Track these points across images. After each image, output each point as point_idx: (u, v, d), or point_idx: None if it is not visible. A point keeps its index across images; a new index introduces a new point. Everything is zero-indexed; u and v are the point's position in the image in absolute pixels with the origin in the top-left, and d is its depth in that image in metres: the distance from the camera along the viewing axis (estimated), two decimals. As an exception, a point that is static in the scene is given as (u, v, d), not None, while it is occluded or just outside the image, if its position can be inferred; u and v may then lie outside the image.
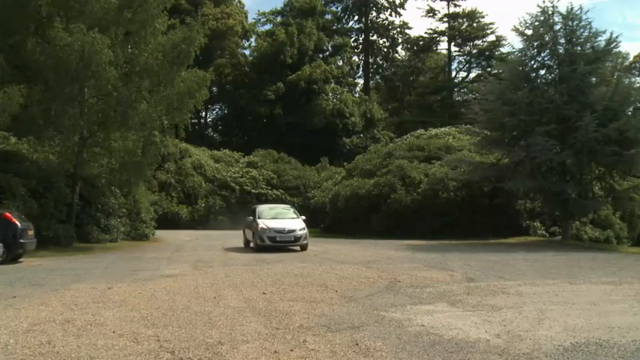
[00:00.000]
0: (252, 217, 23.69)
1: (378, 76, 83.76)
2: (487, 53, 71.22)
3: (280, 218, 23.50)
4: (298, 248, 22.49)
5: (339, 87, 68.97)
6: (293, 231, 22.27)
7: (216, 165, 51.52)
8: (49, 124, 24.36)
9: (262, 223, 22.56)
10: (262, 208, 24.75)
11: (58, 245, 22.90)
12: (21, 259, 18.61)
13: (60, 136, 24.70)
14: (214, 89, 61.78)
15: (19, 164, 24.12)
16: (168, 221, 41.61)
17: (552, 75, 29.28)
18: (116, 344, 7.41)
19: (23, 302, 10.45)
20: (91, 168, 25.61)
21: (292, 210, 25.39)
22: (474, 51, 73.63)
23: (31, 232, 19.20)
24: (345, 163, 46.45)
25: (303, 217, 23.80)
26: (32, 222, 19.85)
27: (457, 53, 75.62)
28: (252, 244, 23.24)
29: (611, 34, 28.17)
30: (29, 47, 23.16)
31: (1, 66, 22.49)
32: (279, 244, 22.16)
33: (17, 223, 18.29)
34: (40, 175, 24.48)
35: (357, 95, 72.85)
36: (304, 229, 22.55)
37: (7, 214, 18.38)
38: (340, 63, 73.96)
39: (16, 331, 8.12)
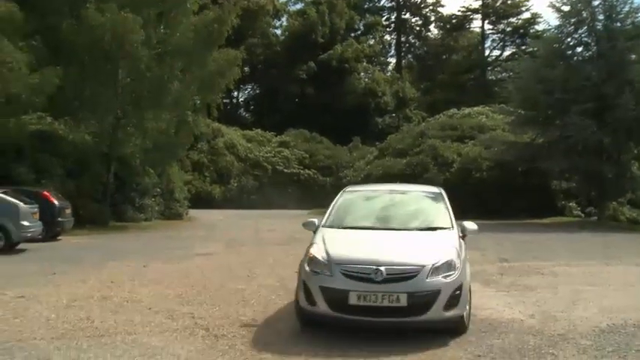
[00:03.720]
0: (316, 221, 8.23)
1: (410, 55, 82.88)
2: (522, 31, 69.78)
3: (387, 229, 7.88)
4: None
5: (370, 66, 68.48)
6: (414, 275, 6.71)
7: (249, 145, 51.71)
8: (84, 105, 24.64)
9: (323, 246, 7.28)
10: (349, 198, 8.84)
11: (94, 224, 23.26)
12: (59, 237, 19.01)
13: (95, 116, 24.99)
14: (246, 69, 61.75)
15: (55, 144, 24.46)
16: (202, 200, 41.97)
17: (590, 52, 28.73)
18: (152, 320, 7.54)
19: (62, 279, 10.68)
20: (126, 148, 25.88)
21: (436, 201, 8.63)
22: (508, 29, 72.22)
23: (68, 211, 19.59)
24: (377, 143, 46.24)
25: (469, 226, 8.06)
26: (69, 201, 20.23)
27: (491, 31, 74.34)
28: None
29: (653, 9, 27.47)
30: (64, 28, 23.40)
31: (37, 47, 22.74)
32: (366, 319, 6.71)
33: (55, 202, 18.70)
34: (76, 155, 24.81)
35: (389, 74, 72.26)
36: (455, 266, 6.90)
37: (46, 193, 18.78)
38: (372, 42, 73.34)
39: (57, 306, 8.31)
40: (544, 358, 6.08)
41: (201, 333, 6.98)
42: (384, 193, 9.11)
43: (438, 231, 7.70)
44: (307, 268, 7.00)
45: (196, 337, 6.85)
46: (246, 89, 72.60)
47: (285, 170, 49.34)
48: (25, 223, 15.42)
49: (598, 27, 27.81)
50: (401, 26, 78.86)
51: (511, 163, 30.84)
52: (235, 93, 68.66)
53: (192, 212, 33.62)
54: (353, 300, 6.59)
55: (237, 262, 13.27)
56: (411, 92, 67.97)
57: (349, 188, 9.23)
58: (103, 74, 24.24)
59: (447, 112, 45.80)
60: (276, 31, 71.59)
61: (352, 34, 70.17)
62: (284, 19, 73.17)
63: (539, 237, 19.84)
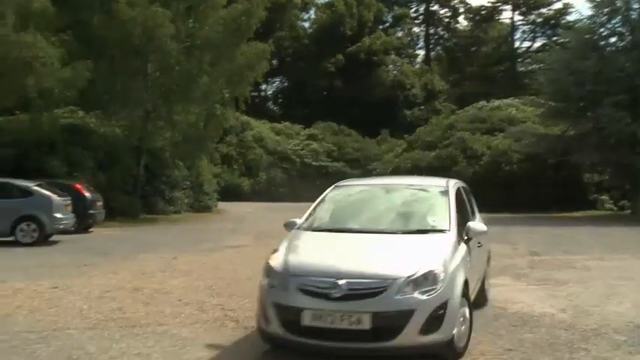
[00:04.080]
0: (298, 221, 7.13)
1: (438, 47, 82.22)
2: (553, 22, 68.73)
3: (370, 231, 6.53)
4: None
5: (399, 58, 68.13)
6: (381, 291, 5.44)
7: (277, 137, 51.88)
8: (115, 99, 24.92)
9: (284, 253, 6.32)
10: (338, 193, 7.53)
11: (124, 216, 23.54)
12: (91, 229, 19.28)
13: (125, 109, 25.27)
14: (274, 62, 61.99)
15: (87, 137, 24.80)
16: (230, 193, 42.19)
17: (623, 42, 28.21)
18: (182, 312, 7.61)
19: (94, 270, 10.83)
20: (155, 141, 26.15)
21: (439, 198, 7.03)
22: (539, 19, 71.19)
23: (99, 203, 19.86)
24: (405, 136, 46.04)
25: (475, 226, 6.80)
26: (100, 193, 20.50)
27: (521, 22, 73.31)
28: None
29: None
30: (95, 23, 23.67)
31: (69, 42, 23.04)
32: (323, 344, 5.50)
33: (87, 194, 18.99)
34: (106, 148, 25.13)
35: (417, 67, 71.83)
36: (437, 279, 5.59)
37: (78, 186, 19.06)
38: (400, 34, 72.94)
39: (89, 297, 8.43)
40: (576, 353, 5.99)
41: (231, 325, 7.04)
42: (379, 188, 7.76)
43: (430, 234, 6.31)
44: (264, 280, 5.93)
45: (226, 328, 6.91)
46: (274, 82, 72.78)
47: (314, 163, 49.39)
48: (59, 215, 15.68)
49: (633, 16, 27.27)
50: (429, 18, 78.27)
51: (541, 156, 30.45)
52: (264, 86, 68.87)
53: (222, 205, 33.83)
54: (307, 320, 5.41)
55: (266, 254, 13.30)
56: (439, 84, 67.52)
57: (342, 182, 7.88)
58: (132, 68, 24.54)
59: (476, 104, 45.34)
60: (304, 23, 71.67)
61: (380, 27, 69.86)
62: (312, 11, 73.19)
63: (570, 230, 19.58)
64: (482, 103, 44.72)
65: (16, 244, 14.90)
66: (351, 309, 5.35)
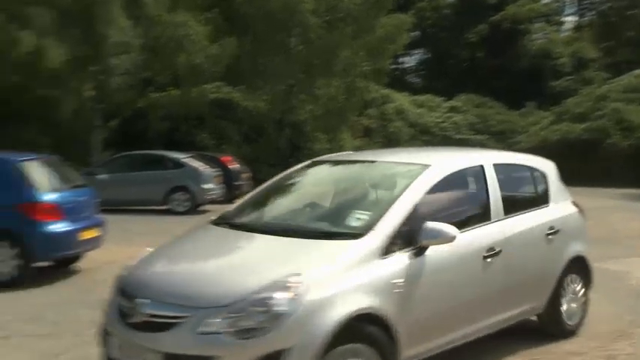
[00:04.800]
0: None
1: (591, 13, 77.43)
2: None
3: (273, 232, 4.75)
4: None
5: (547, 25, 64.92)
6: (178, 322, 3.86)
7: (418, 110, 51.37)
8: (259, 73, 25.69)
9: (142, 257, 4.79)
10: (297, 173, 6.05)
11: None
12: (237, 200, 20.06)
13: (268, 84, 25.99)
14: (416, 33, 61.30)
15: (233, 111, 25.80)
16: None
17: None
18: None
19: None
20: (298, 114, 26.71)
21: (404, 183, 4.83)
22: None
23: (245, 175, 20.65)
24: (552, 107, 44.02)
25: (435, 232, 4.41)
26: (246, 165, 21.31)
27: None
28: None
29: None
30: (239, 0, 24.45)
31: (215, 20, 23.98)
32: None
33: (234, 166, 19.83)
34: (251, 121, 26.02)
35: (566, 34, 68.10)
36: (277, 314, 3.71)
37: (226, 158, 19.98)
38: (547, 0, 69.38)
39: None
40: None
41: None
42: (354, 167, 5.89)
43: (334, 240, 4.33)
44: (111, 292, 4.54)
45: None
46: (415, 54, 71.93)
47: (455, 136, 48.48)
48: (208, 186, 16.56)
49: None
50: (581, -19, 73.87)
51: None
52: (405, 58, 68.30)
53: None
54: (114, 352, 4.15)
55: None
56: (591, 53, 63.66)
57: (323, 157, 6.46)
58: (275, 43, 25.14)
59: (632, 72, 42.43)
60: (445, -7, 69.96)
61: (526, -7, 66.82)
62: (454, -19, 71.26)
63: None
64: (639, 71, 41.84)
65: (170, 212, 15.89)
66: (147, 343, 3.90)
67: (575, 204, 6.26)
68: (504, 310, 5.17)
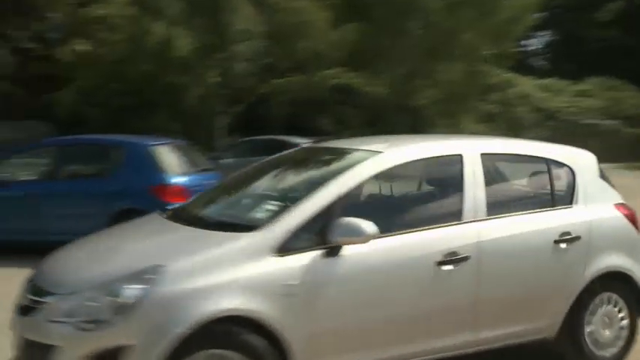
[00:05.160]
0: None
1: None
2: None
3: (196, 223, 4.41)
4: None
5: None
6: (38, 308, 3.77)
7: (543, 95, 49.44)
8: (379, 58, 25.60)
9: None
10: (275, 160, 5.54)
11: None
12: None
13: (388, 69, 25.85)
14: (544, 13, 58.86)
15: (353, 97, 25.89)
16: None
17: None
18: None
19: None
20: (418, 99, 26.40)
21: (339, 172, 4.29)
22: None
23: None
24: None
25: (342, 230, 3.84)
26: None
27: None
28: None
29: None
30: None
31: (335, 6, 24.12)
32: None
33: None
34: (371, 106, 26.01)
35: None
36: (116, 308, 3.47)
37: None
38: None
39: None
40: None
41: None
42: (317, 156, 5.34)
43: (229, 232, 3.88)
44: None
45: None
46: (542, 36, 69.12)
47: (583, 121, 46.30)
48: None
49: None
50: None
51: None
52: (530, 40, 65.82)
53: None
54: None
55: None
56: None
57: (319, 144, 6.01)
58: (395, 28, 24.91)
59: None
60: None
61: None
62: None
63: None
64: None
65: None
66: (18, 328, 3.85)
67: (625, 207, 5.07)
68: (476, 328, 4.34)
